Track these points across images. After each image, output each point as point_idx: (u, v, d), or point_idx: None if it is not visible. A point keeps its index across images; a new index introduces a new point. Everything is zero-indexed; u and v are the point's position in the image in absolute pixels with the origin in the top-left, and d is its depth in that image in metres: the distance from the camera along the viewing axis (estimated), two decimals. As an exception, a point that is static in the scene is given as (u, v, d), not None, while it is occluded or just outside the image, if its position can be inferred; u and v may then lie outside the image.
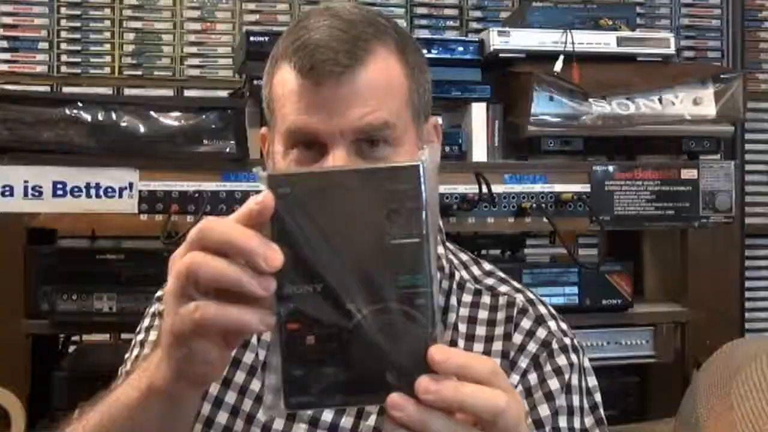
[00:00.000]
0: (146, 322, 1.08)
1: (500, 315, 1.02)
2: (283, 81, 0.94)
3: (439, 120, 1.85)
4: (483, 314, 1.03)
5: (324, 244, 0.64)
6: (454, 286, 1.04)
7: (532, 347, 1.00)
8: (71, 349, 2.18)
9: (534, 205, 1.92)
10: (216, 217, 0.68)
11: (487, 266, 1.10)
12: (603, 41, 2.01)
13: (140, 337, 1.07)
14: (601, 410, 1.00)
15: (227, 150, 1.84)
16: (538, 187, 1.94)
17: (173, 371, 0.70)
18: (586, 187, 1.96)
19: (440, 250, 1.05)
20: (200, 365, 0.69)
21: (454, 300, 1.02)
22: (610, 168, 1.97)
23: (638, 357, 2.00)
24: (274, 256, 0.63)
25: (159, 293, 1.10)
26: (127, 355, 1.07)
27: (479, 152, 1.96)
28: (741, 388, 1.44)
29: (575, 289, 1.94)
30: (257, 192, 0.65)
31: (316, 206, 0.64)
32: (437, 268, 0.67)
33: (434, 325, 0.63)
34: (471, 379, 0.63)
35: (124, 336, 2.36)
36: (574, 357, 1.01)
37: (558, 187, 1.95)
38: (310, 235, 0.64)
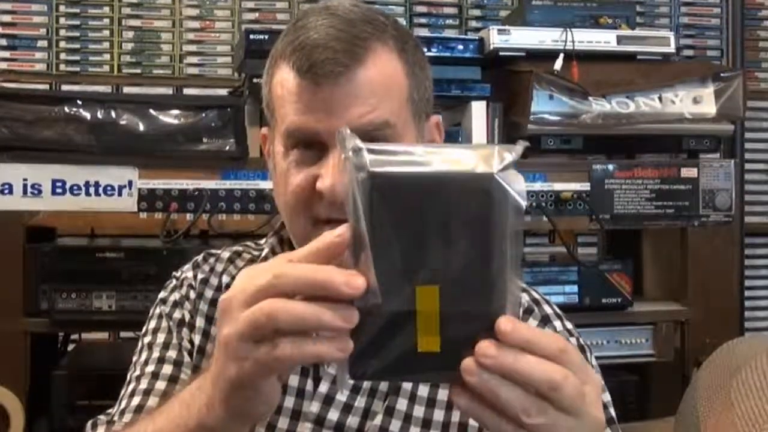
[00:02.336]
0: (152, 323, 1.08)
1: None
2: (282, 81, 0.93)
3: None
4: None
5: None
6: None
7: None
8: (70, 347, 2.18)
9: (533, 204, 1.92)
10: (288, 253, 0.68)
11: None
12: (603, 40, 2.02)
13: (147, 339, 1.06)
14: (612, 409, 1.00)
15: (227, 148, 1.85)
16: (537, 186, 1.94)
17: (231, 413, 0.70)
18: (585, 186, 1.96)
19: None
20: (263, 405, 0.70)
21: None
22: (610, 166, 1.97)
23: (638, 356, 2.00)
24: (355, 280, 0.64)
25: (162, 294, 1.09)
26: (135, 358, 1.06)
27: None
28: (741, 387, 1.44)
29: (575, 288, 1.95)
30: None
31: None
32: None
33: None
34: (537, 354, 0.64)
35: (123, 335, 2.38)
36: (581, 357, 1.00)
37: (558, 186, 1.95)
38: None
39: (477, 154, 0.64)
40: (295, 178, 0.92)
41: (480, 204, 0.63)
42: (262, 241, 1.12)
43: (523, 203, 0.63)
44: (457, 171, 0.63)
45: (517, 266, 0.65)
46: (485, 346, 0.63)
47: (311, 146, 0.92)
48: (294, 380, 0.97)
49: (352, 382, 0.66)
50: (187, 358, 1.03)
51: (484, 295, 0.64)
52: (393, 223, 0.64)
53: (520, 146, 0.65)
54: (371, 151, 0.65)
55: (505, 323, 0.63)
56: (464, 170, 0.63)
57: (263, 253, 1.08)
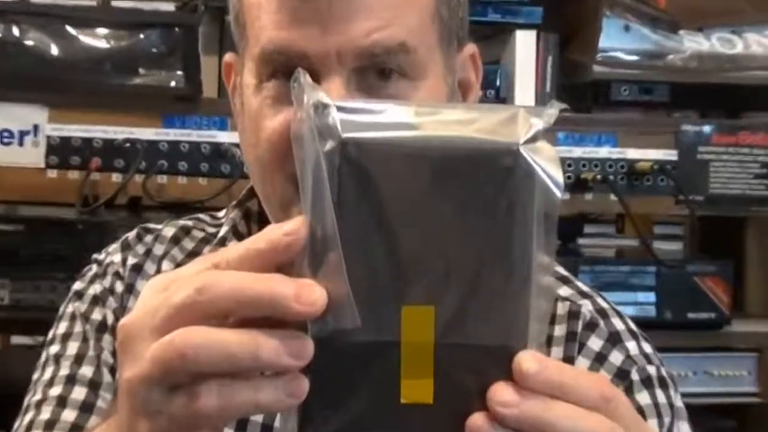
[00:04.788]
0: (62, 327, 1.07)
1: (559, 330, 1.02)
2: None
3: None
4: None
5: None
6: None
7: None
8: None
9: (598, 177, 1.92)
10: (215, 254, 0.66)
11: None
12: (702, -50, 2.04)
13: (54, 349, 1.06)
14: None
15: (172, 84, 1.84)
16: (604, 152, 1.94)
17: None
18: (670, 155, 1.97)
19: None
20: None
21: None
22: (706, 128, 1.98)
23: (736, 394, 2.00)
24: (311, 293, 0.61)
25: (78, 286, 1.10)
26: (36, 375, 1.06)
27: (524, 99, 1.96)
28: None
29: (651, 297, 1.95)
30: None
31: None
32: None
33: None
34: (572, 403, 0.63)
35: (17, 340, 2.36)
36: (661, 394, 0.99)
37: (632, 153, 1.95)
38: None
39: (495, 118, 0.63)
40: (272, 120, 0.92)
41: (497, 189, 0.62)
42: (221, 214, 1.13)
43: (559, 191, 0.62)
44: (465, 141, 0.62)
45: (546, 273, 0.64)
46: (503, 392, 0.62)
47: None
48: None
49: None
50: (107, 378, 1.03)
51: (500, 319, 0.63)
52: (372, 215, 0.62)
53: (554, 109, 0.64)
54: (342, 110, 0.63)
55: (529, 360, 0.62)
56: (476, 140, 0.62)
57: (222, 232, 1.08)
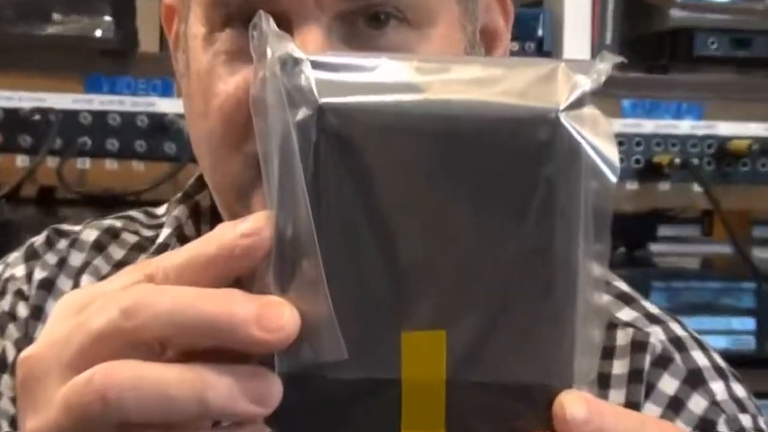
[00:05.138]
0: None
1: (619, 366, 1.02)
2: None
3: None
4: None
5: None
6: None
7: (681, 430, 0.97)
8: None
9: (676, 161, 1.94)
10: (151, 262, 0.66)
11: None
12: None
13: None
14: None
15: (97, 34, 1.86)
16: (685, 126, 1.97)
17: None
18: (776, 130, 1.97)
19: None
20: None
21: None
22: (824, 95, 2.01)
23: None
24: (278, 314, 0.60)
25: (14, 255, 1.11)
26: None
27: (576, 53, 1.99)
28: None
29: (749, 323, 1.97)
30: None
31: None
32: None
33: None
34: None
35: None
36: None
37: (723, 128, 1.98)
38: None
39: (526, 76, 0.62)
40: (227, 82, 0.92)
41: (529, 173, 0.61)
42: (160, 211, 1.14)
43: (613, 175, 0.61)
44: (485, 107, 0.61)
45: (598, 288, 0.63)
46: None
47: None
48: None
49: None
50: (5, 428, 1.05)
51: (535, 349, 0.62)
52: (360, 208, 0.61)
53: (606, 63, 0.63)
54: (319, 66, 0.62)
55: (575, 403, 0.61)
56: (500, 106, 0.61)
57: (162, 236, 1.09)
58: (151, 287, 0.63)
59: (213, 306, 0.61)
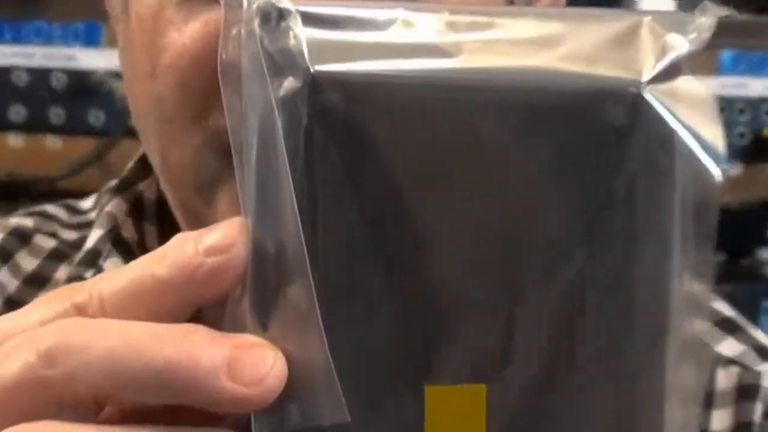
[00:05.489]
0: None
1: (721, 419, 1.07)
2: None
3: None
4: None
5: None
6: None
7: None
8: None
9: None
10: (77, 286, 0.63)
11: None
12: None
13: None
14: None
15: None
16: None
17: None
18: None
19: None
20: None
21: None
22: None
23: None
24: (258, 360, 0.59)
25: None
26: None
27: (658, 3, 2.00)
28: None
29: None
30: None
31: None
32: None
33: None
34: None
35: None
36: None
37: None
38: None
39: (597, 34, 0.62)
40: (182, 32, 0.92)
41: (604, 163, 0.62)
42: (87, 205, 1.16)
43: (718, 168, 0.61)
44: (542, 78, 0.61)
45: (700, 313, 0.64)
46: None
47: None
48: None
49: None
50: None
51: (609, 404, 0.64)
52: (367, 212, 0.60)
53: (708, 17, 0.61)
54: (313, 20, 0.59)
55: None
56: (562, 75, 0.61)
57: (91, 239, 1.11)
58: (81, 322, 0.61)
59: (168, 349, 0.59)
